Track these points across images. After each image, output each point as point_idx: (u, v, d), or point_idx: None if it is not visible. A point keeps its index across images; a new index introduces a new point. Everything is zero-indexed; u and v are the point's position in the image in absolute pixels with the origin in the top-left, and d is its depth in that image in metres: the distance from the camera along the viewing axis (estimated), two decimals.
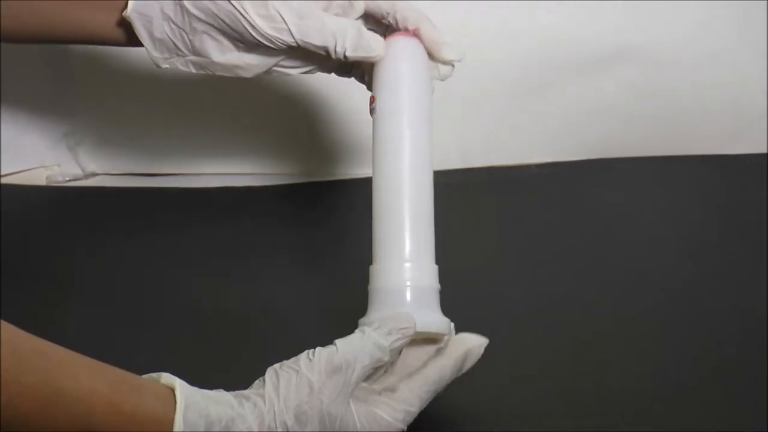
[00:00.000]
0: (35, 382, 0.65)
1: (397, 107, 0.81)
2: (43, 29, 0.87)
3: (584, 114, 1.14)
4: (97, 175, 1.14)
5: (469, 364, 0.78)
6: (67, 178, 1.14)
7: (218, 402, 0.70)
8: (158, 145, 1.13)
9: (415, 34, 0.83)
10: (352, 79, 0.87)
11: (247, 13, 0.81)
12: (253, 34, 0.82)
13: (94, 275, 0.99)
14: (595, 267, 1.00)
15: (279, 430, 0.71)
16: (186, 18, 0.83)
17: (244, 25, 0.81)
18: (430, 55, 0.83)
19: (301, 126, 1.12)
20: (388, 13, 0.84)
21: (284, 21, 0.81)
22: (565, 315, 0.93)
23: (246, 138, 1.13)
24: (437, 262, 0.81)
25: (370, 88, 0.84)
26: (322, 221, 1.06)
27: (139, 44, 0.86)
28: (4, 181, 1.13)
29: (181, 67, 0.86)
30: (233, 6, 0.81)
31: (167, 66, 0.86)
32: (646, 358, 0.88)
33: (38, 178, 1.14)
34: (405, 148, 0.80)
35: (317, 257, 1.01)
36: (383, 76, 0.82)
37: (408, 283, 0.78)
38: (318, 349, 0.73)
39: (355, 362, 0.73)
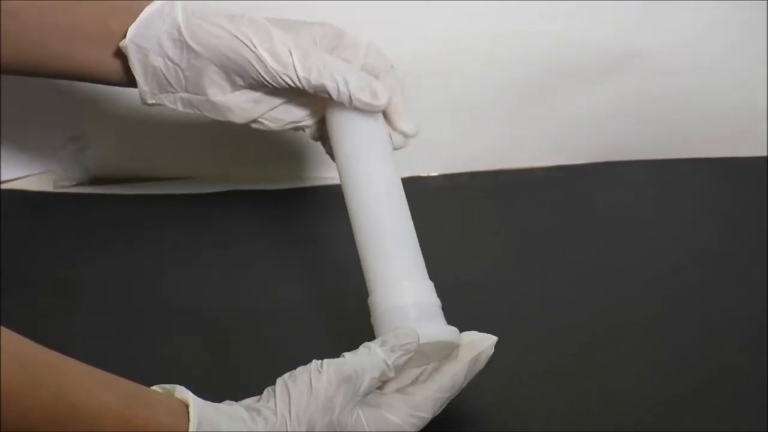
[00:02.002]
0: (48, 396, 0.64)
1: (356, 152, 0.82)
2: (31, 63, 0.85)
3: (590, 118, 1.14)
4: (102, 179, 1.14)
5: (480, 366, 0.78)
6: (73, 183, 1.14)
7: (231, 417, 0.70)
8: (164, 149, 1.13)
9: None
10: None
11: (254, 47, 0.80)
12: (258, 68, 0.80)
13: (96, 282, 0.99)
14: (600, 270, 1.00)
15: None
16: (185, 53, 0.82)
17: (249, 60, 0.80)
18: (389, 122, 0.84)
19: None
20: (379, 74, 0.83)
21: (291, 55, 0.80)
22: (570, 318, 0.93)
23: (252, 141, 1.13)
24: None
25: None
26: (324, 225, 1.06)
27: (132, 85, 0.84)
28: (9, 186, 1.13)
29: (168, 104, 0.85)
30: (240, 40, 0.80)
31: (153, 102, 0.85)
32: (650, 361, 0.88)
33: (44, 182, 1.14)
34: (375, 187, 0.81)
35: (319, 260, 1.01)
36: (335, 125, 0.82)
37: (410, 301, 0.78)
38: (326, 360, 0.73)
39: (364, 373, 0.73)
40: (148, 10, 0.82)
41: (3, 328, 0.64)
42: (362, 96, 0.80)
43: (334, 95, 0.80)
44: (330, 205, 1.08)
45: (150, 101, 0.85)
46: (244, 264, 1.02)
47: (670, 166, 1.14)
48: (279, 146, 1.12)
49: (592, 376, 0.86)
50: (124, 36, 0.82)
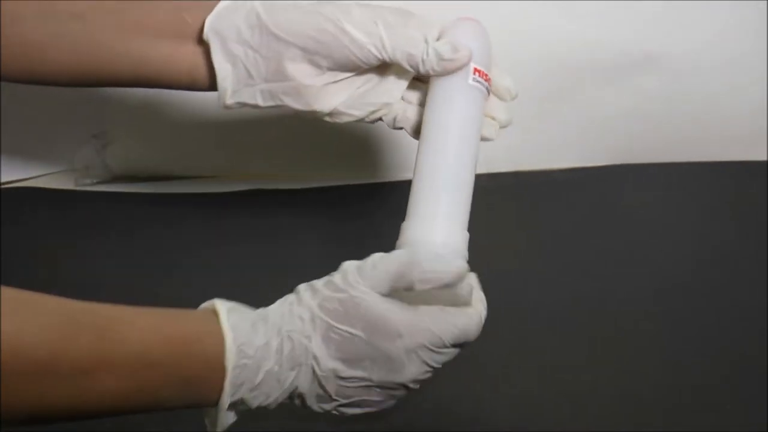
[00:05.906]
0: (90, 339, 0.66)
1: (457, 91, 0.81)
2: (94, 68, 0.83)
3: (608, 119, 1.15)
4: (124, 177, 1.14)
5: None
6: (95, 181, 1.14)
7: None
8: (186, 148, 1.14)
9: None
10: None
11: (340, 21, 0.79)
12: (345, 42, 0.79)
13: (118, 281, 1.00)
14: (618, 270, 1.01)
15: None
16: (264, 39, 0.80)
17: (336, 35, 0.79)
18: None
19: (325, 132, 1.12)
20: None
21: (378, 26, 0.79)
22: (589, 317, 0.94)
23: (273, 140, 1.13)
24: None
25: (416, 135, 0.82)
26: (348, 225, 1.07)
27: (199, 87, 0.83)
28: (30, 183, 1.14)
29: (248, 101, 0.82)
30: (325, 16, 0.79)
31: (232, 102, 0.82)
32: (666, 357, 0.90)
33: (65, 180, 1.15)
34: (454, 123, 0.80)
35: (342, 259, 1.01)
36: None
37: (440, 240, 0.75)
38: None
39: (380, 264, 0.72)
40: (224, 2, 0.81)
41: (39, 293, 0.67)
42: (444, 53, 0.79)
43: (420, 65, 0.79)
44: (353, 204, 1.10)
45: (229, 101, 0.82)
46: (263, 263, 1.02)
47: (685, 169, 1.15)
48: (301, 145, 1.13)
49: (609, 374, 0.88)
50: (200, 28, 0.81)
